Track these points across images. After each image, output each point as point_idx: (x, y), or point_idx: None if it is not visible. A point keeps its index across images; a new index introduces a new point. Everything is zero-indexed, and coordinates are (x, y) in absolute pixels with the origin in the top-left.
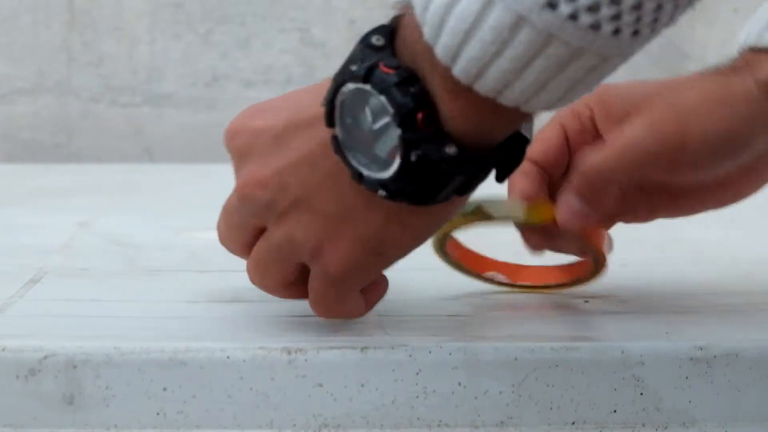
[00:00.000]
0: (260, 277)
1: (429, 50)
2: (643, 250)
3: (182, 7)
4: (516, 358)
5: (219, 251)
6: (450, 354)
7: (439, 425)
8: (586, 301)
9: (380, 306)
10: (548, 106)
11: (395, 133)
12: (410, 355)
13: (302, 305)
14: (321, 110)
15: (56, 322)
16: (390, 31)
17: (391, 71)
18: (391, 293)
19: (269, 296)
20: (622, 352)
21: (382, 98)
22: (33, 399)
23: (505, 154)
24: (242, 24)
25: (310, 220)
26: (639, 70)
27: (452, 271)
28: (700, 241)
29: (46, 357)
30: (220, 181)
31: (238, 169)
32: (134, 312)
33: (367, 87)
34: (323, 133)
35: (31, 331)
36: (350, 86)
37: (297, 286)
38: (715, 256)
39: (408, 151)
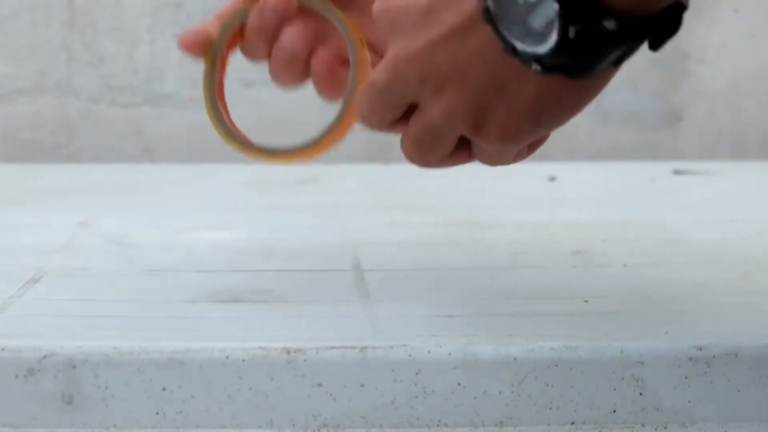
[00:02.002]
0: (421, 154)
1: None
2: (643, 250)
3: (182, 7)
4: (515, 358)
5: (219, 251)
6: (449, 354)
7: (438, 425)
8: (586, 301)
9: (380, 306)
10: None
11: (552, 6)
12: (409, 355)
13: (301, 305)
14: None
15: (56, 322)
16: None
17: None
18: (391, 293)
19: (269, 296)
20: (622, 352)
21: None
22: (32, 399)
23: (662, 23)
24: None
25: (465, 94)
26: (639, 70)
27: (452, 271)
28: (700, 241)
29: (45, 357)
30: (220, 181)
31: (389, 47)
32: (134, 312)
33: None
34: (472, 5)
35: (31, 330)
36: None
37: (459, 154)
38: (715, 256)
39: (566, 26)
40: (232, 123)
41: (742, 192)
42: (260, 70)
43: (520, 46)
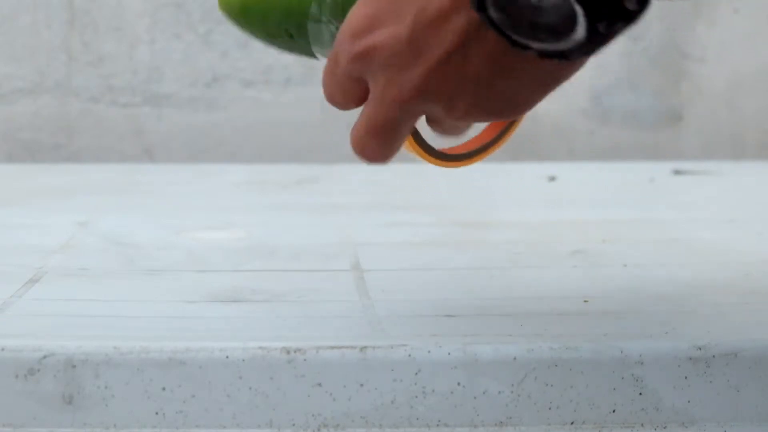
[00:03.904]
0: (381, 145)
1: None
2: (643, 250)
3: (182, 7)
4: (515, 358)
5: (219, 251)
6: (449, 354)
7: (438, 425)
8: (586, 301)
9: (380, 306)
10: None
11: (571, 8)
12: (409, 355)
13: (301, 305)
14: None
15: (56, 322)
16: None
17: None
18: (391, 293)
19: (269, 296)
20: (621, 352)
21: None
22: (32, 398)
23: None
24: None
25: (474, 100)
26: (639, 70)
27: (452, 271)
28: (700, 241)
29: (45, 357)
30: (220, 181)
31: (381, 88)
32: (134, 312)
33: None
34: (462, 20)
35: (31, 330)
36: None
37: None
38: (715, 256)
39: (594, 24)
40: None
41: (741, 192)
42: (260, 70)
43: (535, 44)
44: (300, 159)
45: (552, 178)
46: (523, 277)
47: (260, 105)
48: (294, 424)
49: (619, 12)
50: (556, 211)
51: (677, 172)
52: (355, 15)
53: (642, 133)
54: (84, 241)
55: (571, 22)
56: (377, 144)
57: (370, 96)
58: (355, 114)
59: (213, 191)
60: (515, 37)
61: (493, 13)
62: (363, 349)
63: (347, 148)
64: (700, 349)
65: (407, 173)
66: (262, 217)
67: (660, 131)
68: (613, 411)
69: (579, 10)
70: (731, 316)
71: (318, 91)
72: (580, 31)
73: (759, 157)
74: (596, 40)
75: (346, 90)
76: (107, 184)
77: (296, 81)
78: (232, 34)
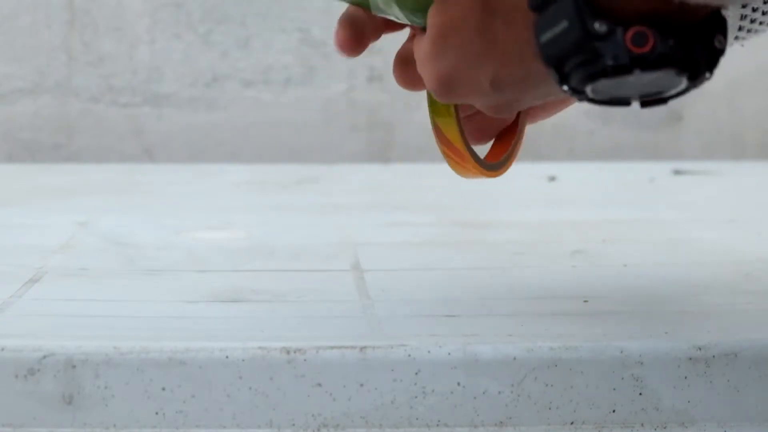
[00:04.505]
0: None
1: None
2: (643, 250)
3: (182, 7)
4: (515, 358)
5: (219, 251)
6: (449, 354)
7: (438, 425)
8: (586, 301)
9: (380, 306)
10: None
11: (677, 76)
12: (409, 355)
13: (301, 305)
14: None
15: (56, 322)
16: None
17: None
18: (391, 293)
19: (269, 296)
20: (621, 352)
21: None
22: (32, 398)
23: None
24: (242, 24)
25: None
26: None
27: (452, 271)
28: (700, 241)
29: (45, 357)
30: (220, 181)
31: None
32: (134, 312)
33: (637, 72)
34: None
35: (31, 330)
36: (605, 81)
37: None
38: (715, 256)
39: (696, 77)
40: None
41: (741, 192)
42: (260, 70)
43: (635, 101)
44: (300, 159)
45: (552, 178)
46: (523, 277)
47: (260, 105)
48: (294, 424)
49: (714, 56)
50: (556, 211)
51: (677, 172)
52: (430, 56)
53: (642, 133)
54: (84, 241)
55: (674, 83)
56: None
57: None
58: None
59: (213, 191)
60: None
61: (590, 95)
62: (363, 349)
63: (347, 148)
64: (700, 349)
65: (407, 173)
66: (262, 217)
67: (660, 131)
68: (613, 411)
69: (685, 76)
70: (731, 316)
71: (318, 91)
72: (682, 85)
73: (759, 157)
74: (697, 85)
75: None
76: (107, 184)
77: (296, 81)
78: (232, 34)
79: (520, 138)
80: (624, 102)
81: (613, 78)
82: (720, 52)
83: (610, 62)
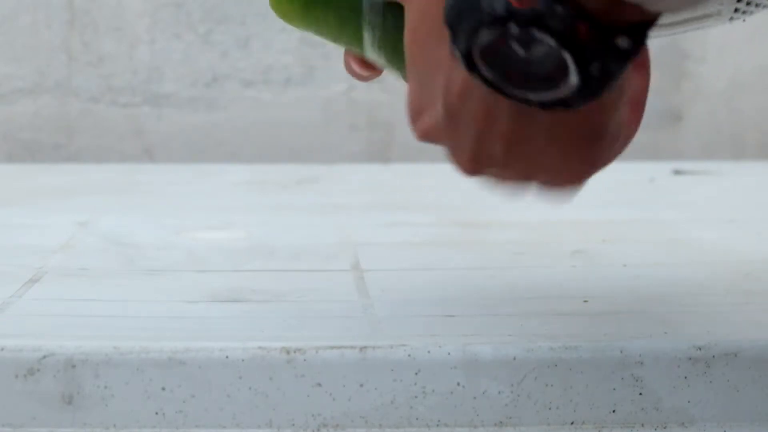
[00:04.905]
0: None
1: None
2: (643, 250)
3: (182, 7)
4: (515, 358)
5: (219, 251)
6: (449, 354)
7: (438, 425)
8: (586, 301)
9: (380, 306)
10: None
11: (560, 55)
12: (409, 355)
13: (301, 305)
14: (467, 74)
15: (55, 322)
16: None
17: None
18: (391, 293)
19: (269, 296)
20: (621, 352)
21: (533, 30)
22: (32, 398)
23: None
24: (242, 24)
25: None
26: None
27: (452, 271)
28: (700, 241)
29: (45, 357)
30: (220, 181)
31: (450, 156)
32: (134, 312)
33: (512, 26)
34: (481, 86)
35: (31, 330)
36: (485, 33)
37: None
38: (715, 256)
39: (585, 67)
40: None
41: (741, 192)
42: (260, 70)
43: (533, 96)
44: (300, 159)
45: None
46: (523, 277)
47: (260, 105)
48: (294, 424)
49: (611, 52)
50: (556, 211)
51: (677, 172)
52: (407, 100)
53: (642, 133)
54: (84, 241)
55: (563, 70)
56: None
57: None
58: None
59: (213, 191)
60: (510, 90)
61: (485, 72)
62: (363, 349)
63: (347, 148)
64: (700, 349)
65: (407, 173)
66: (262, 217)
67: (660, 131)
68: (613, 411)
69: (567, 56)
70: (731, 316)
71: (318, 91)
72: (573, 78)
73: (759, 157)
74: (592, 83)
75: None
76: (107, 184)
77: (296, 81)
78: (232, 33)
79: None
80: (517, 91)
81: (491, 30)
82: (623, 53)
83: (486, 9)
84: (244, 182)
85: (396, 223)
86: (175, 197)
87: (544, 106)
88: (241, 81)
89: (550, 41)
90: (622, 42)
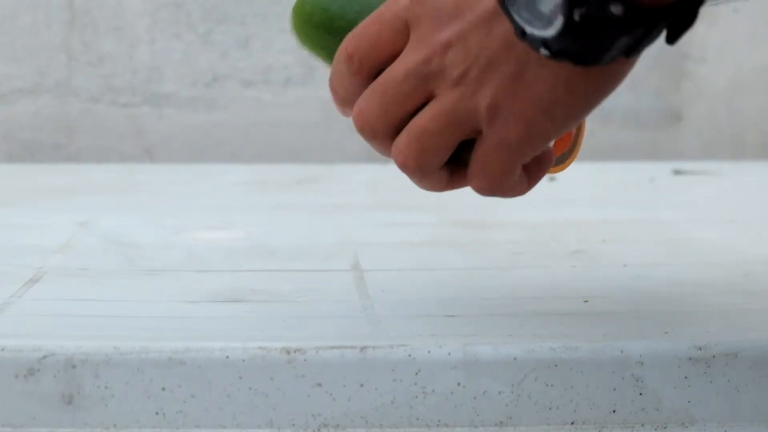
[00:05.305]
0: (420, 152)
1: None
2: (643, 250)
3: (182, 7)
4: (515, 358)
5: (219, 251)
6: (449, 354)
7: (438, 425)
8: (586, 301)
9: (380, 306)
10: None
11: None
12: (409, 355)
13: (301, 305)
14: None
15: (55, 322)
16: None
17: None
18: (391, 293)
19: (269, 296)
20: (622, 352)
21: None
22: (32, 398)
23: (675, 14)
24: (242, 24)
25: (489, 80)
26: (639, 70)
27: (452, 271)
28: (700, 241)
29: (45, 357)
30: (220, 181)
31: (419, 37)
32: (134, 312)
33: None
34: (504, 22)
35: (31, 330)
36: None
37: (456, 175)
38: (715, 256)
39: (571, 9)
40: None
41: (742, 192)
42: (260, 70)
43: (529, 29)
44: (300, 159)
45: (552, 178)
46: (523, 277)
47: (260, 105)
48: (294, 424)
49: (600, 8)
50: (556, 211)
51: (677, 172)
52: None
53: (642, 133)
54: (84, 241)
55: (558, 9)
56: (375, 97)
57: (402, 53)
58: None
59: (213, 191)
60: (516, 17)
61: None
62: (363, 349)
63: (347, 148)
64: (700, 349)
65: None
66: (262, 217)
67: (660, 131)
68: (613, 411)
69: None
70: (731, 316)
71: (318, 91)
72: (560, 18)
73: (759, 157)
74: (572, 30)
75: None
76: (107, 184)
77: (296, 81)
78: (232, 34)
79: (582, 127)
80: (521, 24)
81: None
82: (612, 19)
83: None
84: (244, 182)
85: (396, 223)
86: (175, 197)
87: (532, 42)
88: (241, 81)
89: None
90: (615, 8)
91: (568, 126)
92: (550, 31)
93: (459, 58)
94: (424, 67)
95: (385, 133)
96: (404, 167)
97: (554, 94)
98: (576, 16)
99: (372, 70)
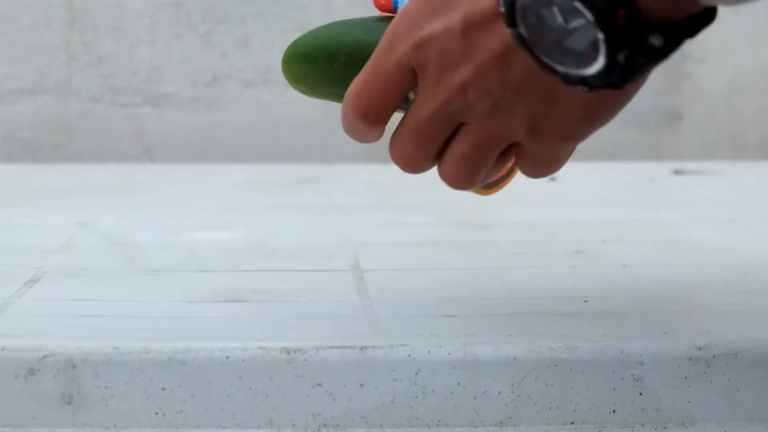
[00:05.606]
0: (468, 174)
1: None
2: (643, 250)
3: (182, 7)
4: (515, 358)
5: (219, 251)
6: (449, 354)
7: (438, 425)
8: (586, 301)
9: (380, 306)
10: None
11: (595, 33)
12: (409, 355)
13: (301, 305)
14: (491, 1)
15: (55, 322)
16: None
17: None
18: (391, 293)
19: (269, 296)
20: (622, 352)
21: (575, 3)
22: (32, 398)
23: (703, 24)
24: (242, 24)
25: (520, 106)
26: None
27: (452, 271)
28: (700, 241)
29: (45, 357)
30: (220, 181)
31: (431, 76)
32: (134, 312)
33: None
34: (505, 29)
35: (31, 330)
36: None
37: (500, 161)
38: (715, 256)
39: (614, 53)
40: None
41: (741, 192)
42: (260, 70)
43: (562, 69)
44: (300, 159)
45: (552, 178)
46: (523, 277)
47: (260, 105)
48: (294, 424)
49: (642, 46)
50: (556, 211)
51: (677, 172)
52: (412, 5)
53: (642, 133)
54: (84, 241)
55: (594, 49)
56: (414, 139)
57: (418, 94)
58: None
59: (213, 191)
60: (543, 58)
61: (523, 30)
62: (363, 349)
63: (347, 148)
64: (700, 349)
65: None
66: (262, 217)
67: (660, 131)
68: (613, 411)
69: (600, 36)
70: (731, 316)
71: None
72: (601, 59)
73: (759, 157)
74: (615, 70)
75: (390, 86)
76: (107, 184)
77: None
78: (232, 34)
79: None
80: (550, 64)
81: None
82: (653, 51)
83: None
84: (244, 182)
85: (396, 223)
86: (175, 197)
87: (567, 80)
88: (241, 81)
89: (589, 16)
90: (655, 40)
91: (603, 125)
92: (589, 70)
93: (482, 94)
94: (448, 107)
95: (431, 164)
96: (458, 188)
97: (590, 108)
98: (620, 59)
99: (389, 116)
